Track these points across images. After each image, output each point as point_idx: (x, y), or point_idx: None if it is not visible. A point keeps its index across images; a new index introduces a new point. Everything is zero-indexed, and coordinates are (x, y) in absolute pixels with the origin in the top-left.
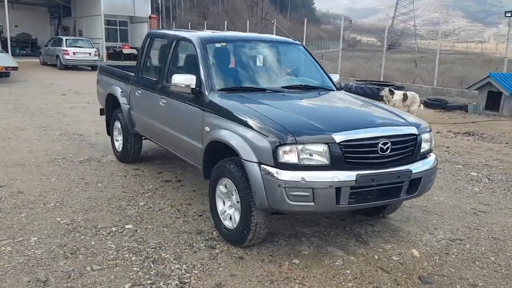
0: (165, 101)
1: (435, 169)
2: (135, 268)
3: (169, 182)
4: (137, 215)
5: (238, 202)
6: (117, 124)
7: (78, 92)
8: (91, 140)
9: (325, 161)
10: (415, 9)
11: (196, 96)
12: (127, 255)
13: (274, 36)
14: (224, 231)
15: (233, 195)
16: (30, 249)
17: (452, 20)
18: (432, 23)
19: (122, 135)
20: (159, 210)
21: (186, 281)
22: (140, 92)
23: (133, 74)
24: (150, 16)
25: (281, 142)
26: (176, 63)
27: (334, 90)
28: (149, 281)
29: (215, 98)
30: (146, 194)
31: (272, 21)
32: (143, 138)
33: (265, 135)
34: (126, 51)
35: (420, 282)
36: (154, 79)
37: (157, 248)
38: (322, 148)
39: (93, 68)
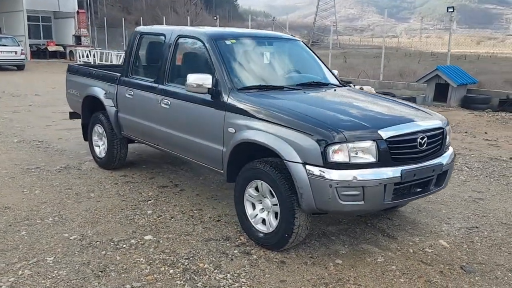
0: (169, 102)
1: (454, 160)
2: (178, 282)
3: (166, 188)
4: (150, 224)
5: (275, 204)
6: (98, 129)
7: (14, 94)
8: (57, 147)
9: (372, 158)
10: (332, 6)
11: (212, 96)
12: (162, 269)
13: (276, 33)
14: (258, 236)
15: (266, 197)
16: (52, 271)
17: (366, 16)
18: (349, 19)
19: (106, 139)
20: (171, 218)
21: None
22: (132, 93)
23: (118, 74)
24: (78, 11)
25: (329, 141)
26: (179, 62)
27: (341, 86)
28: None
29: (239, 97)
30: (149, 202)
31: (214, 17)
32: (129, 142)
33: (309, 134)
34: (51, 48)
35: (464, 272)
36: (151, 79)
37: (191, 258)
38: (370, 145)
39: (19, 67)
